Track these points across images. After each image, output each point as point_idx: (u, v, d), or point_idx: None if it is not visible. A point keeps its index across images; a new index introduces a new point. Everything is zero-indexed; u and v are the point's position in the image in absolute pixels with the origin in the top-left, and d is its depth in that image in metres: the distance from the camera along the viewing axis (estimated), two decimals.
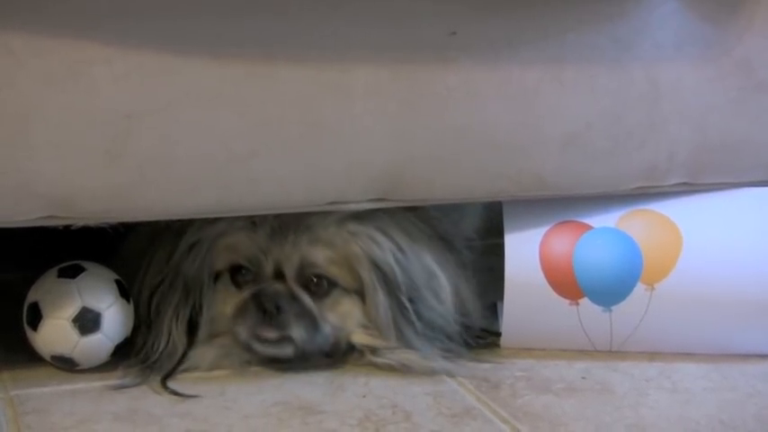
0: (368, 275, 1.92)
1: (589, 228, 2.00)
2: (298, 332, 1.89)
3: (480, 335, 2.00)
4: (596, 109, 1.90)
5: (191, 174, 1.75)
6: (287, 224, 1.90)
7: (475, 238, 2.19)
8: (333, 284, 1.93)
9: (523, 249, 1.98)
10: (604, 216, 2.00)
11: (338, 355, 1.95)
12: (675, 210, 2.00)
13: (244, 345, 1.91)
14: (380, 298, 1.92)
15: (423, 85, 1.81)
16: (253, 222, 1.91)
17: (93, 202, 1.73)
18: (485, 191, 1.92)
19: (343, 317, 1.94)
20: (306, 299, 1.91)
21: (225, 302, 1.94)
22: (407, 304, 1.92)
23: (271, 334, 1.89)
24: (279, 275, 1.91)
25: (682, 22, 1.92)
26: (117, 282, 1.90)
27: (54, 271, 1.89)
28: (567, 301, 1.98)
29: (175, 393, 1.83)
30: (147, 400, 1.81)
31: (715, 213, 2.01)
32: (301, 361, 1.92)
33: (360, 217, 1.91)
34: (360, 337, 1.95)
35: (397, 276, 1.92)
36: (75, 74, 1.68)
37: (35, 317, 1.86)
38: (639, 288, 1.97)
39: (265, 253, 1.91)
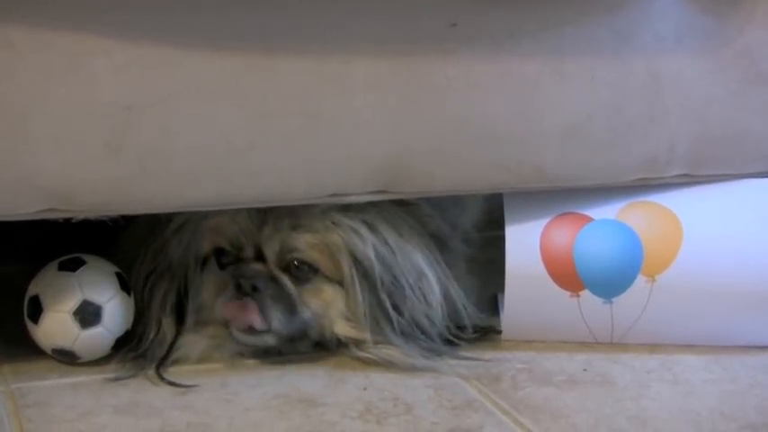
0: (347, 267, 1.91)
1: (590, 220, 2.00)
2: (273, 315, 1.87)
3: (476, 331, 2.00)
4: (597, 101, 1.90)
5: (191, 166, 1.76)
6: (271, 208, 1.89)
7: (474, 232, 2.19)
8: (315, 271, 1.92)
9: (524, 241, 1.98)
10: (605, 208, 2.00)
11: (331, 347, 1.94)
12: (676, 201, 2.00)
13: (225, 325, 1.90)
14: (358, 291, 1.91)
15: (423, 78, 1.81)
16: None
17: (93, 194, 1.73)
18: (485, 183, 1.92)
19: (325, 304, 1.93)
20: (285, 281, 1.90)
21: (211, 286, 1.93)
22: (386, 301, 1.91)
23: (246, 319, 1.86)
24: (260, 258, 1.91)
25: (682, 13, 1.92)
26: (117, 275, 1.90)
27: (54, 264, 1.89)
28: (568, 293, 1.98)
29: (173, 384, 1.83)
30: (148, 393, 1.81)
31: (715, 205, 2.01)
32: (287, 349, 1.91)
33: (347, 209, 1.90)
34: (341, 328, 1.94)
35: (376, 271, 1.91)
36: (75, 66, 1.68)
37: (36, 310, 1.86)
38: (640, 280, 1.97)
39: (246, 235, 1.91)
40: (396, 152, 1.84)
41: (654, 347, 2.01)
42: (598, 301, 1.98)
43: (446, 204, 2.06)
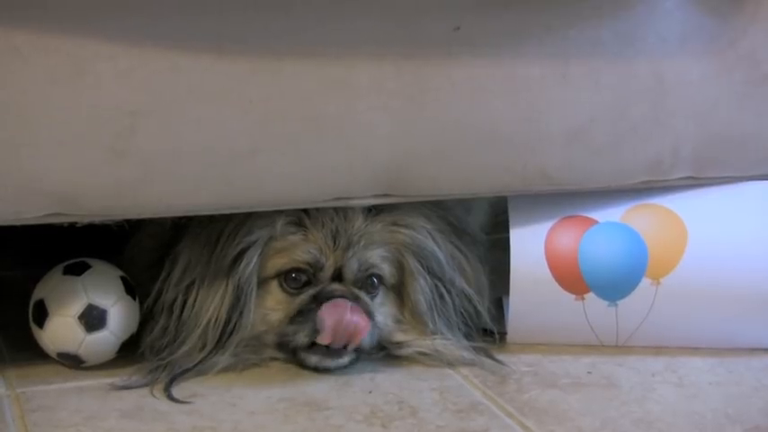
0: (413, 263, 1.94)
1: (594, 222, 2.00)
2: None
3: (486, 333, 2.01)
4: (601, 104, 1.90)
5: (195, 170, 1.76)
6: (338, 228, 1.90)
7: (481, 234, 2.19)
8: (380, 283, 1.94)
9: (529, 244, 1.98)
10: (610, 210, 2.00)
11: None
12: (681, 204, 2.00)
13: (292, 350, 1.89)
14: (421, 283, 1.94)
15: (427, 81, 1.81)
16: (301, 225, 1.90)
17: (97, 199, 1.74)
18: (489, 186, 1.92)
19: (385, 315, 1.95)
20: (366, 299, 1.91)
21: (269, 307, 1.91)
22: (443, 288, 1.94)
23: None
24: (336, 278, 1.91)
25: (686, 15, 1.92)
26: (122, 279, 1.90)
27: (59, 268, 1.89)
28: (573, 296, 1.98)
29: (174, 399, 1.81)
30: (153, 398, 1.81)
31: (720, 207, 2.01)
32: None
33: (390, 209, 1.92)
34: (396, 335, 1.95)
35: (437, 260, 1.94)
36: (80, 71, 1.68)
37: (41, 314, 1.86)
38: (645, 282, 1.97)
39: (327, 256, 1.90)
40: (400, 155, 1.84)
41: (659, 350, 2.00)
42: (603, 303, 1.98)
43: (453, 206, 2.06)
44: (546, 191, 1.95)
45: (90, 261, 1.90)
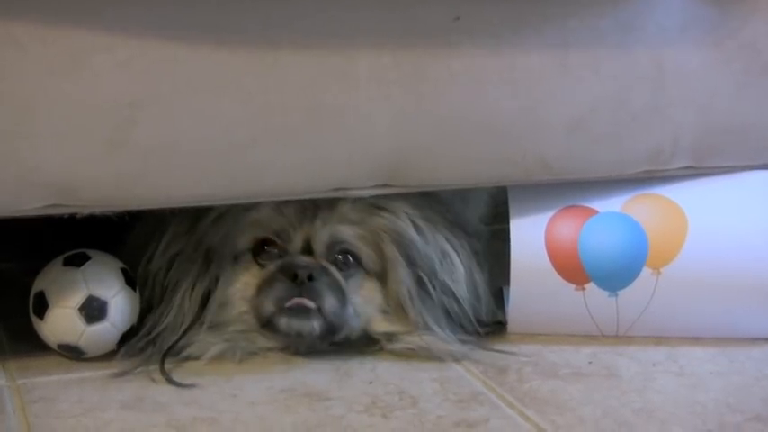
0: (392, 250, 1.93)
1: (595, 212, 2.00)
2: (329, 302, 1.88)
3: (488, 324, 2.00)
4: (601, 93, 1.90)
5: (194, 162, 1.76)
6: (314, 202, 1.90)
7: (481, 225, 2.19)
8: (357, 264, 1.94)
9: (529, 235, 1.98)
10: (610, 200, 2.00)
11: (358, 343, 1.95)
12: (681, 193, 2.00)
13: (265, 321, 1.89)
14: (402, 273, 1.93)
15: (426, 71, 1.81)
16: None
17: (96, 190, 1.74)
18: (489, 176, 1.92)
19: (364, 301, 1.95)
20: (335, 272, 1.92)
21: (244, 281, 1.93)
22: (427, 281, 1.93)
23: (302, 301, 1.87)
24: (306, 251, 1.92)
25: (686, 4, 1.91)
26: (123, 270, 1.90)
27: (60, 260, 1.89)
28: (573, 286, 1.98)
29: (174, 383, 1.82)
30: (153, 389, 1.82)
31: (721, 197, 2.01)
32: (321, 341, 1.91)
33: (381, 197, 1.92)
34: (380, 325, 1.95)
35: (418, 251, 1.93)
36: (78, 63, 1.68)
37: (41, 306, 1.87)
38: (645, 272, 1.97)
39: (295, 228, 1.92)
40: (399, 146, 1.84)
41: (659, 340, 2.00)
42: (603, 293, 1.98)
43: (451, 198, 2.06)
44: (546, 181, 1.95)
45: (90, 252, 1.90)
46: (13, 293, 1.96)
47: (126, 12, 1.68)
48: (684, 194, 2.00)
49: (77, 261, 1.88)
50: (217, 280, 1.92)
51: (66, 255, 1.89)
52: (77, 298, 1.85)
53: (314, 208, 1.91)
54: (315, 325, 1.89)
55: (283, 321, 1.89)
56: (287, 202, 1.90)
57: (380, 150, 1.83)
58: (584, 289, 1.98)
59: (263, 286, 1.90)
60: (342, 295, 1.90)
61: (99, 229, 1.91)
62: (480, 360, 1.92)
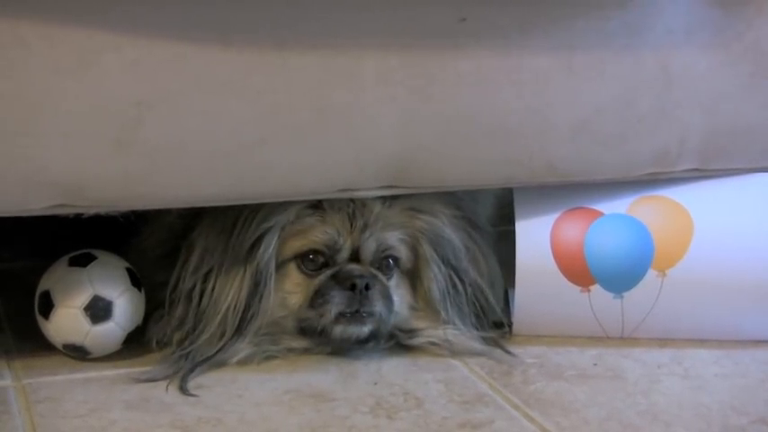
0: (428, 249, 1.95)
1: (600, 214, 2.00)
2: (380, 308, 1.89)
3: (496, 323, 2.01)
4: (607, 95, 1.90)
5: (201, 161, 1.76)
6: (353, 207, 1.92)
7: (488, 226, 2.19)
8: (396, 265, 1.96)
9: (535, 236, 1.98)
10: (615, 202, 2.00)
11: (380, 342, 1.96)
12: (687, 196, 2.00)
13: (321, 329, 1.89)
14: (435, 270, 1.95)
15: (433, 72, 1.81)
16: (318, 207, 1.91)
17: (103, 190, 1.74)
18: (495, 178, 1.92)
19: (400, 299, 1.96)
20: (383, 278, 1.93)
21: (287, 290, 1.92)
22: (457, 278, 1.95)
23: (362, 310, 1.88)
24: (354, 258, 1.93)
25: (693, 7, 1.91)
26: (128, 270, 1.90)
27: (65, 259, 1.89)
28: (579, 288, 1.98)
29: (185, 390, 1.81)
30: (159, 389, 1.81)
31: (726, 199, 2.01)
32: (365, 343, 1.92)
33: (408, 195, 1.93)
34: (408, 321, 1.97)
35: (453, 249, 1.96)
36: (86, 62, 1.68)
37: (47, 305, 1.87)
38: (651, 274, 1.97)
39: (344, 237, 1.92)
40: (406, 147, 1.84)
41: (664, 342, 2.00)
42: (609, 295, 1.98)
43: (463, 196, 2.06)
44: (552, 182, 1.95)
45: (95, 252, 1.90)
46: (19, 293, 1.97)
47: (133, 11, 1.68)
48: (690, 196, 2.00)
49: (83, 261, 1.88)
50: (259, 292, 1.90)
51: (71, 255, 1.89)
52: (83, 298, 1.85)
53: (356, 215, 1.92)
54: (365, 330, 1.91)
55: (339, 329, 1.90)
56: (326, 210, 1.91)
57: (387, 151, 1.83)
58: (589, 291, 1.98)
59: (317, 297, 1.90)
60: (389, 300, 1.92)
61: (104, 229, 1.91)
62: (494, 359, 1.93)
